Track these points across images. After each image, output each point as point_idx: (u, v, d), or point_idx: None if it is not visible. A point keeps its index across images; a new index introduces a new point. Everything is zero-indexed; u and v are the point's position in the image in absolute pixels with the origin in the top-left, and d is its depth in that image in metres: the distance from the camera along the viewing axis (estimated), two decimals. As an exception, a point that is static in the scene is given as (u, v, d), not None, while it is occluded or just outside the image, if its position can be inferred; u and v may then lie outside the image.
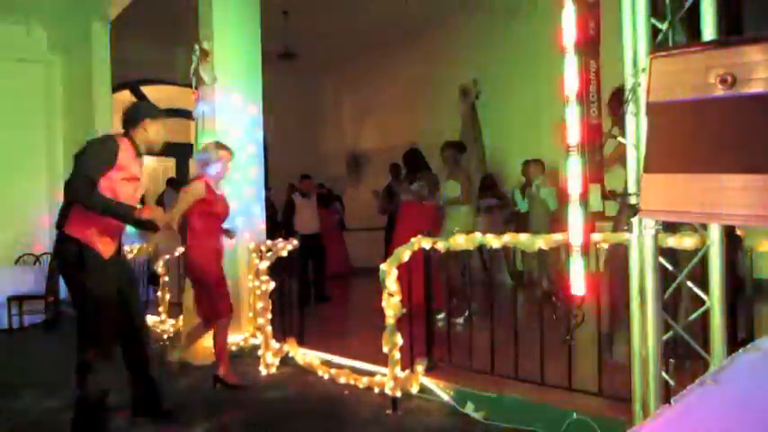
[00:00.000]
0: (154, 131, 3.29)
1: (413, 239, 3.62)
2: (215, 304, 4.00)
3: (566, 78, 2.37)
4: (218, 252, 4.14)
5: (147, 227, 3.22)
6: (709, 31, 2.19)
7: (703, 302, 2.31)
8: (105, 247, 3.10)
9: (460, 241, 3.44)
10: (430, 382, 3.51)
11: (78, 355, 3.04)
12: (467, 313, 4.35)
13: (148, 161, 11.44)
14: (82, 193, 2.96)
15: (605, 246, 3.07)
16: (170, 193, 8.96)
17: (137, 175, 3.24)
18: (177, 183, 9.35)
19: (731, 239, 2.30)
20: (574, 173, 2.37)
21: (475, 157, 8.69)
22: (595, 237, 2.73)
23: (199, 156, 4.31)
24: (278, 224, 8.37)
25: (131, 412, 3.37)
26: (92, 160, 3.04)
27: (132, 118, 3.27)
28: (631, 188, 2.43)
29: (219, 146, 4.21)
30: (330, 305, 7.28)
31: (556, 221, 5.80)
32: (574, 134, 2.38)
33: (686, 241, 2.42)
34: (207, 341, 4.77)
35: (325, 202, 8.73)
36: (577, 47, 2.35)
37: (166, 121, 3.40)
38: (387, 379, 3.50)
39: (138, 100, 2.83)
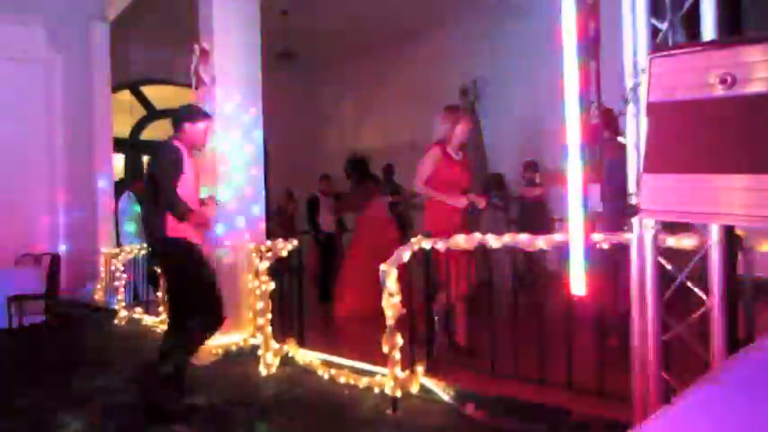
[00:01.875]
0: (194, 134, 3.58)
1: (412, 241, 3.63)
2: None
3: (566, 79, 2.37)
4: (456, 224, 4.05)
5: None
6: (709, 31, 2.19)
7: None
8: (198, 239, 3.57)
9: (461, 241, 3.44)
10: (430, 382, 3.51)
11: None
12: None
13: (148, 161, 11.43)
14: (172, 203, 3.36)
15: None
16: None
17: (195, 175, 3.60)
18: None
19: (731, 239, 2.30)
20: (574, 173, 2.37)
21: (475, 158, 8.69)
22: (595, 237, 2.73)
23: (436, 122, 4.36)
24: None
25: None
26: (169, 171, 3.40)
27: (175, 121, 3.62)
28: (631, 188, 2.43)
29: (450, 109, 4.29)
30: (330, 305, 7.27)
31: None
32: (574, 134, 2.38)
33: (686, 241, 2.42)
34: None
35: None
36: (577, 47, 2.35)
37: (206, 122, 3.65)
38: (387, 379, 3.50)
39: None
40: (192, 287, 3.49)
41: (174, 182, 3.36)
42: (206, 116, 3.68)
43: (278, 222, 9.33)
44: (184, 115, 3.61)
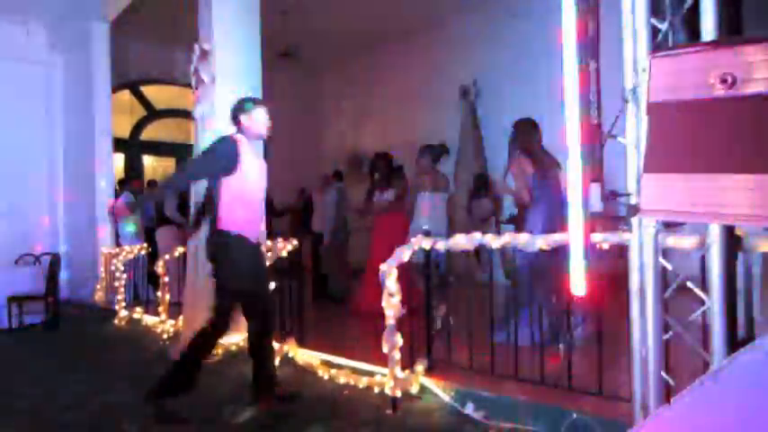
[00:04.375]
0: (251, 123, 3.51)
1: (413, 241, 3.63)
2: None
3: (566, 78, 2.37)
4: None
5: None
6: (709, 31, 2.19)
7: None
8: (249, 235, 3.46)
9: (461, 241, 3.44)
10: (430, 382, 3.51)
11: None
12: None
13: (149, 161, 11.50)
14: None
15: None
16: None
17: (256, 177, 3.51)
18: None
19: (731, 239, 2.30)
20: (574, 173, 2.37)
21: (475, 158, 8.70)
22: (595, 237, 2.73)
23: None
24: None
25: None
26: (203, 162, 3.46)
27: (232, 116, 3.57)
28: (631, 188, 2.43)
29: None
30: (330, 305, 7.28)
31: None
32: (574, 134, 2.38)
33: (686, 241, 2.42)
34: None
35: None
36: (577, 47, 2.35)
37: (262, 108, 3.57)
38: (387, 379, 3.50)
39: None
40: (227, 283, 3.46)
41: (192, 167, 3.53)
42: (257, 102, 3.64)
43: (290, 221, 9.33)
44: (238, 106, 3.57)
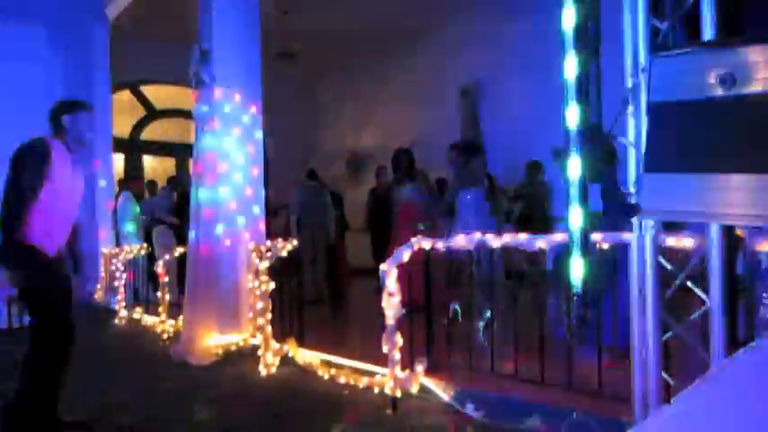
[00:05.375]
0: (74, 126, 3.34)
1: (413, 239, 3.63)
2: None
3: (566, 78, 2.37)
4: None
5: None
6: (709, 31, 2.19)
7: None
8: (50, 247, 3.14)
9: (460, 241, 3.44)
10: (430, 382, 3.50)
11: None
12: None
13: (149, 161, 11.49)
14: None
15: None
16: (169, 192, 8.94)
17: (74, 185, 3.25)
18: (177, 182, 9.36)
19: (731, 239, 2.30)
20: (574, 173, 2.37)
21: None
22: (595, 236, 2.73)
23: None
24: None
25: None
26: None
27: (52, 115, 3.34)
28: (631, 188, 2.43)
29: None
30: (330, 305, 7.29)
31: None
32: (574, 134, 2.38)
33: (686, 241, 2.42)
34: (206, 341, 4.78)
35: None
36: (577, 47, 2.35)
37: (88, 112, 3.44)
38: (387, 379, 3.50)
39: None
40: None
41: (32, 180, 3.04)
42: (81, 107, 3.47)
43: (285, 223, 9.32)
44: (61, 109, 3.39)
